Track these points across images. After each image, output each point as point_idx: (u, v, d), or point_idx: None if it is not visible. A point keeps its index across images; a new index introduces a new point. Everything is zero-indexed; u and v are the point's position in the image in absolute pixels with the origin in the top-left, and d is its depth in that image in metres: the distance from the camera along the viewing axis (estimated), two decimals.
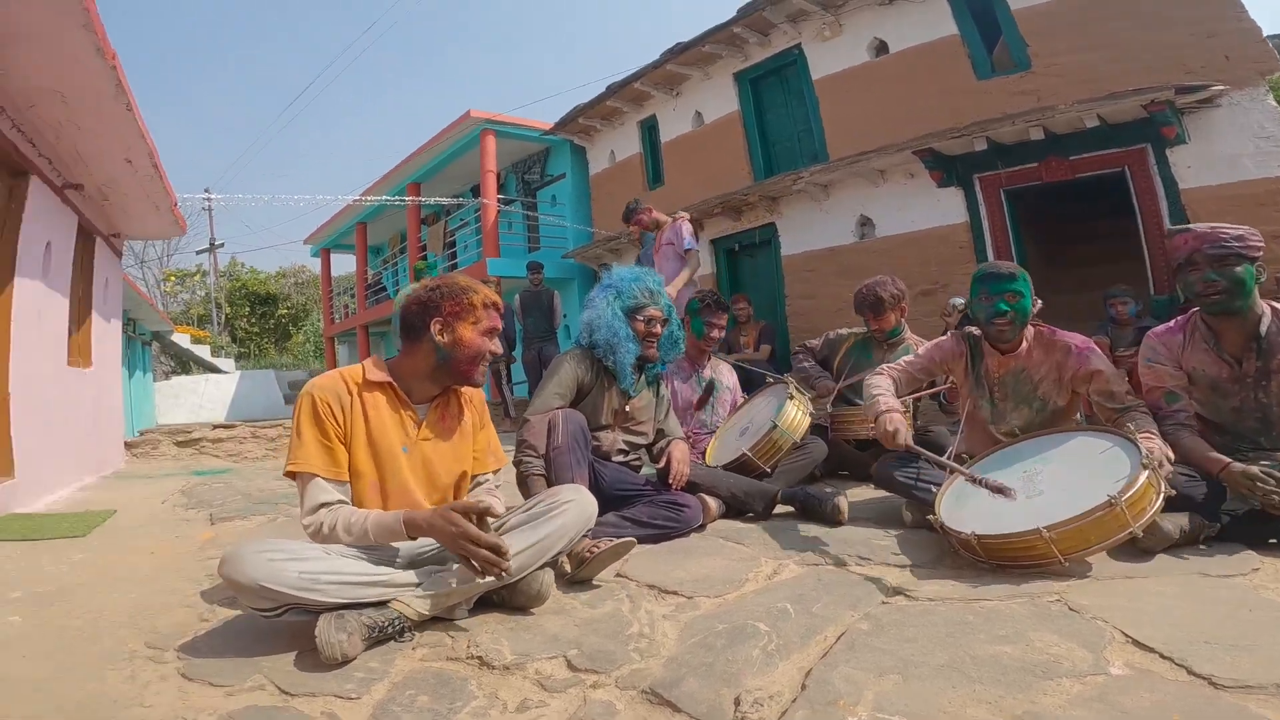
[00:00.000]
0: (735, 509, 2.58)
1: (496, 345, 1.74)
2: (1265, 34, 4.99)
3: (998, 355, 2.34)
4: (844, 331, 3.60)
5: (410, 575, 1.52)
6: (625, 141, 9.65)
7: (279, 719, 1.18)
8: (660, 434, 2.61)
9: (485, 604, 1.64)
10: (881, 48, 6.88)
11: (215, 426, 6.25)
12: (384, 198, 11.07)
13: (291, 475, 1.57)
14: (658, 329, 2.47)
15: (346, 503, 1.57)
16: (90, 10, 2.61)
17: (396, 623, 1.44)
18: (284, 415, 14.24)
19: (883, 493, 2.65)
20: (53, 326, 4.12)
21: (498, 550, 1.43)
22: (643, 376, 2.54)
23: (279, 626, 1.48)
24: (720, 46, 7.87)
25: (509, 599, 1.63)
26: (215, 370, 12.56)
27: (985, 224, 6.09)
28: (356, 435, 1.61)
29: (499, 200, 10.00)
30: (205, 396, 11.35)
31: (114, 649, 1.50)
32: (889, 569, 1.90)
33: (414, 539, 1.53)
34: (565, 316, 7.81)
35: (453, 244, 12.03)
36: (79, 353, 4.73)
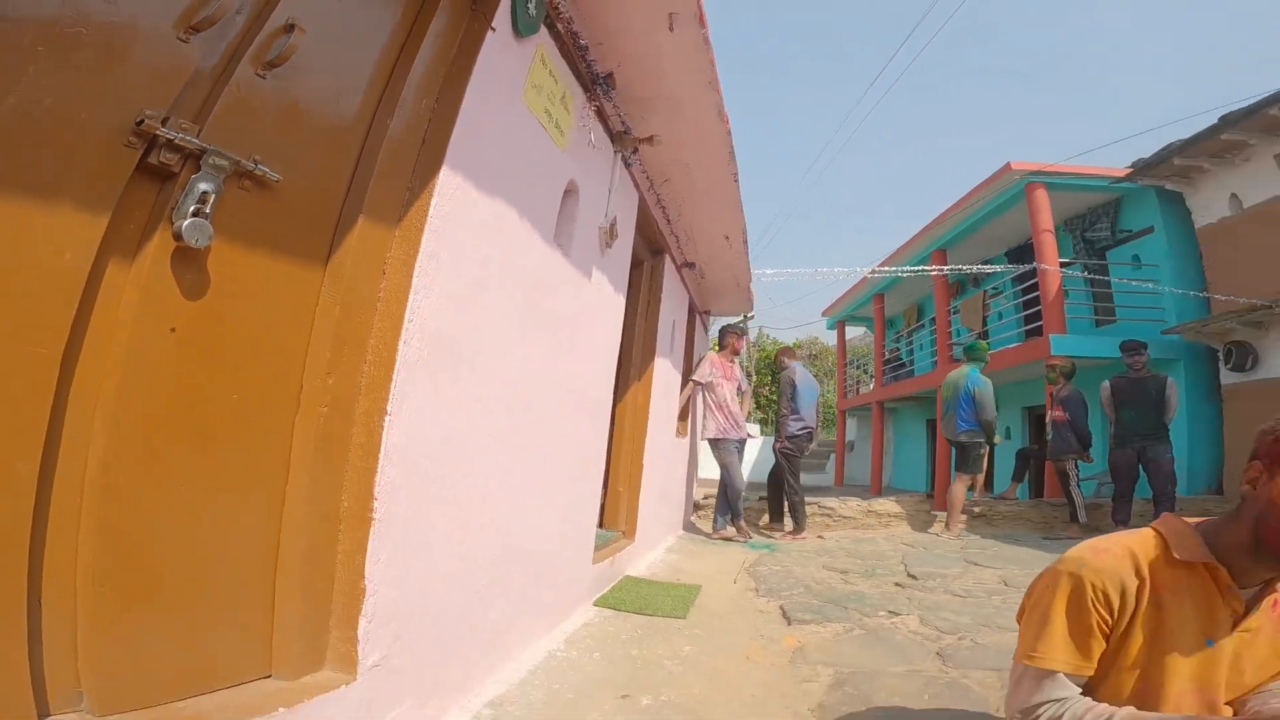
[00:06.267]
0: None
1: None
2: None
3: None
4: None
5: None
6: (1259, 181, 7.13)
7: None
8: None
9: None
10: None
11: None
12: (915, 268, 10.62)
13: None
14: None
15: (1081, 694, 1.28)
16: (714, 67, 2.55)
17: None
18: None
19: None
20: (671, 401, 4.76)
21: None
22: None
23: None
24: None
25: None
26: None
27: None
28: (1138, 624, 1.27)
29: (1060, 264, 8.36)
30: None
31: None
32: None
33: None
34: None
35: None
36: (681, 423, 5.46)
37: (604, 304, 2.79)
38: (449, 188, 1.50)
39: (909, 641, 2.75)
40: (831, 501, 7.15)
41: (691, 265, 4.97)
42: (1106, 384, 5.92)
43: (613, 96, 2.66)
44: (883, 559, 4.74)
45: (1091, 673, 1.30)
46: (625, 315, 3.86)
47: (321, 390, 1.27)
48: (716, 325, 6.96)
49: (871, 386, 15.74)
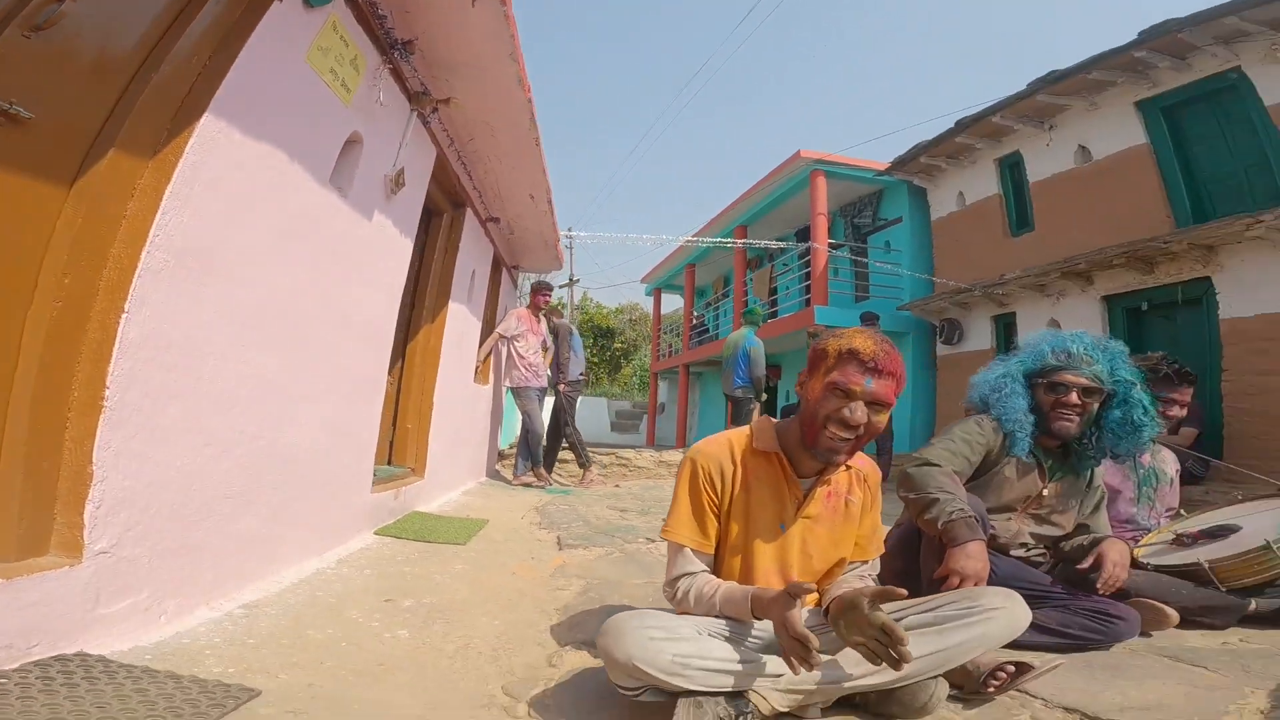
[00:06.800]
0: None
1: (858, 413, 1.36)
2: None
3: None
4: None
5: (774, 664, 1.33)
6: (978, 181, 8.65)
7: None
8: (1080, 529, 2.18)
9: (846, 705, 1.43)
10: None
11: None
12: (714, 239, 11.60)
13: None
14: (1074, 399, 2.03)
15: (708, 571, 1.48)
16: (515, 40, 2.72)
17: (749, 717, 1.29)
18: (611, 440, 15.67)
19: None
20: (469, 346, 4.94)
21: (805, 643, 1.20)
22: (1073, 459, 2.14)
23: (623, 698, 1.39)
24: (1114, 73, 6.70)
25: (878, 705, 1.39)
26: None
27: None
28: (735, 508, 1.48)
29: (829, 245, 9.64)
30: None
31: (477, 690, 1.54)
32: None
33: (759, 619, 1.36)
34: None
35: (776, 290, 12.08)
36: (482, 371, 5.66)
37: (386, 243, 2.93)
38: (211, 130, 1.63)
39: (656, 562, 3.12)
40: (629, 453, 7.80)
41: (497, 220, 5.15)
42: None
43: (412, 61, 2.78)
44: (661, 501, 5.18)
45: (711, 550, 1.48)
46: (421, 260, 3.98)
47: (57, 288, 1.37)
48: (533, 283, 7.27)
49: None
